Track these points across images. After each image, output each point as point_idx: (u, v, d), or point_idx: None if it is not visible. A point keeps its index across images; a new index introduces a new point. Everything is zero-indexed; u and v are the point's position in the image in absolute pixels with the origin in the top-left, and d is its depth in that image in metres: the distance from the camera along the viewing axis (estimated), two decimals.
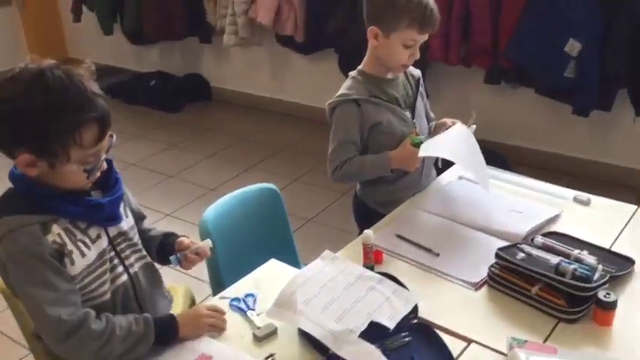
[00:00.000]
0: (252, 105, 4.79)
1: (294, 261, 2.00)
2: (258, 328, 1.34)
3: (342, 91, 1.82)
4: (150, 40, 4.89)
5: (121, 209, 1.39)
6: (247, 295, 1.45)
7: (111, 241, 1.35)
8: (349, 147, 1.80)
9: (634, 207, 1.76)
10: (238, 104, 4.87)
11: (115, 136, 1.28)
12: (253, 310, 1.41)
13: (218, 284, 1.73)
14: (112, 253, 1.35)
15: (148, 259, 1.46)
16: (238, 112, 4.81)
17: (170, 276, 1.70)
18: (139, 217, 1.51)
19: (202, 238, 1.77)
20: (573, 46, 2.96)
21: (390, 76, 1.85)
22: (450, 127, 1.85)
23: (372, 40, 1.77)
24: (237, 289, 1.50)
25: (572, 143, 3.46)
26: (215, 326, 1.35)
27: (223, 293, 1.48)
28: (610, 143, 3.35)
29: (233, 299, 1.44)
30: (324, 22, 3.78)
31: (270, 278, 1.52)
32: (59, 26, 5.73)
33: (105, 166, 1.32)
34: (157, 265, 1.51)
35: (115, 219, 1.36)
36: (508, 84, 3.43)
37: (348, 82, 1.84)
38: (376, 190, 1.91)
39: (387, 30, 1.72)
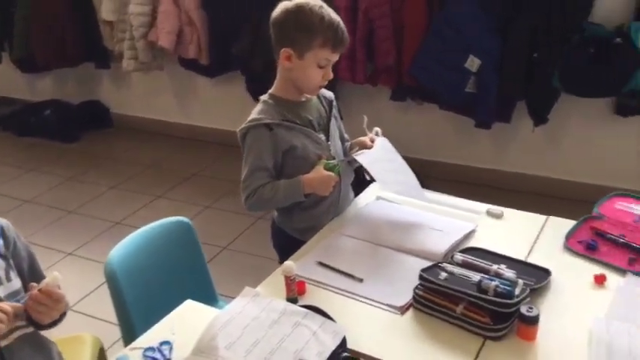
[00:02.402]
0: (156, 131, 4.61)
1: (211, 296, 1.90)
2: None
3: (253, 115, 1.76)
4: (42, 68, 4.59)
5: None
6: (162, 343, 1.33)
7: None
8: (261, 173, 1.74)
9: (544, 217, 1.82)
10: (142, 131, 4.67)
11: None
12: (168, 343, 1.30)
13: (129, 331, 1.60)
14: None
15: (30, 328, 1.29)
16: (142, 139, 4.61)
17: (80, 323, 1.55)
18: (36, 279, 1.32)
19: (109, 280, 1.64)
20: (473, 62, 3.08)
21: (303, 98, 1.81)
22: (366, 143, 1.86)
23: (284, 62, 1.72)
24: (151, 336, 1.37)
25: (477, 155, 3.59)
26: None
27: (135, 343, 1.35)
28: (511, 153, 3.50)
29: (147, 349, 1.32)
30: (228, 43, 3.71)
31: (187, 322, 1.41)
32: None
33: None
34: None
35: None
36: (414, 101, 3.52)
37: (259, 107, 1.78)
38: (294, 217, 1.85)
39: (301, 51, 1.68)
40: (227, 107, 4.24)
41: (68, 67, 4.49)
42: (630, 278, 1.51)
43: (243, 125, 1.76)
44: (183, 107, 4.51)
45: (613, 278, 1.52)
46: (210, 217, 3.39)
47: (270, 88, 1.83)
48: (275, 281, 1.54)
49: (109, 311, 1.68)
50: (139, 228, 1.77)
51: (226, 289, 1.95)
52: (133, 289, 1.65)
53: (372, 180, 2.01)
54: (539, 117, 3.20)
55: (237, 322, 1.30)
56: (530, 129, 3.26)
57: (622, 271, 1.54)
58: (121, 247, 1.69)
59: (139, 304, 1.65)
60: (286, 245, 1.83)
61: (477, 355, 1.30)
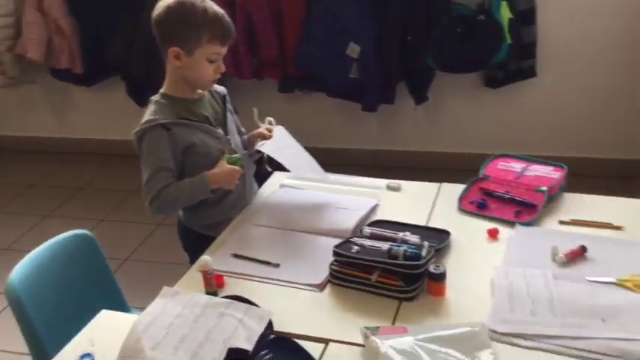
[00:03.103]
0: (34, 149, 4.33)
1: (123, 308, 1.84)
2: None
3: (147, 117, 1.72)
4: None
5: None
6: (83, 357, 1.29)
7: None
8: (164, 174, 1.71)
9: (437, 184, 1.95)
10: (18, 150, 4.36)
11: None
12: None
13: (40, 356, 1.51)
14: None
15: None
16: (19, 158, 4.31)
17: None
18: None
19: (13, 306, 1.55)
20: (353, 49, 3.19)
21: (196, 95, 1.80)
22: (264, 134, 1.88)
23: (173, 61, 1.70)
24: (70, 352, 1.32)
25: (367, 137, 3.73)
26: None
27: None
28: (399, 132, 3.68)
29: None
30: (103, 49, 3.57)
31: (105, 332, 1.37)
32: None
33: None
34: None
35: None
36: (301, 91, 3.58)
37: (152, 108, 1.75)
38: (201, 214, 1.84)
39: (189, 48, 1.67)
40: (110, 116, 4.08)
41: None
42: (519, 229, 1.67)
43: (138, 128, 1.72)
44: (62, 121, 4.27)
45: (504, 231, 1.66)
46: (106, 231, 3.26)
47: (152, 89, 1.80)
48: (192, 279, 1.54)
49: (13, 338, 1.58)
50: (31, 251, 1.66)
51: (136, 301, 1.90)
52: (41, 311, 1.57)
53: (273, 170, 2.05)
54: (420, 96, 3.40)
55: (159, 323, 1.28)
56: (413, 108, 3.45)
57: (511, 224, 1.69)
58: (20, 270, 1.59)
59: (49, 325, 1.56)
60: (197, 243, 1.81)
61: (395, 317, 1.38)
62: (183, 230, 1.92)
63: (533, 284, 1.42)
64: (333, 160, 3.55)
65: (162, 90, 1.78)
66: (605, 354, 1.22)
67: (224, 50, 1.73)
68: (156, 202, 1.70)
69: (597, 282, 1.43)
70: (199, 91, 1.82)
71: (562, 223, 1.69)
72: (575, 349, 1.24)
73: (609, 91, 3.25)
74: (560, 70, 3.27)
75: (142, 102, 3.35)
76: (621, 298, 1.37)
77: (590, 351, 1.23)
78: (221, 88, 1.93)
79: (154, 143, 1.70)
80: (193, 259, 1.69)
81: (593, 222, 1.67)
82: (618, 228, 1.64)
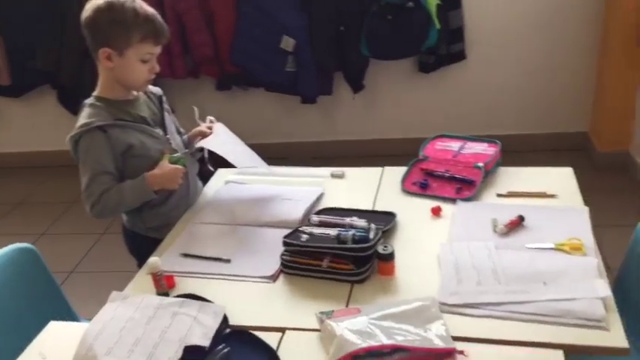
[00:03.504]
0: None
1: (72, 320, 1.79)
2: None
3: (82, 120, 1.68)
4: None
5: None
6: None
7: None
8: (104, 178, 1.67)
9: (380, 169, 1.99)
10: None
11: None
12: None
13: None
14: None
15: None
16: None
17: None
18: None
19: None
20: (288, 42, 3.20)
21: (130, 97, 1.77)
22: (205, 132, 1.87)
23: (105, 62, 1.66)
24: None
25: (308, 129, 3.75)
26: None
27: None
28: (339, 122, 3.72)
29: None
30: (30, 58, 3.44)
31: (56, 343, 1.34)
32: None
33: None
34: None
35: None
36: (239, 87, 3.57)
37: (86, 111, 1.70)
38: (145, 217, 1.81)
39: (121, 49, 1.64)
40: (42, 126, 3.93)
41: None
42: (460, 205, 1.72)
43: (73, 132, 1.68)
44: None
45: (447, 208, 1.72)
46: (47, 244, 3.15)
47: (84, 95, 1.76)
48: (141, 282, 1.52)
49: None
50: None
51: (85, 312, 1.85)
52: None
53: (216, 169, 2.04)
54: (356, 84, 3.45)
55: (111, 328, 1.26)
56: (351, 97, 3.49)
57: (452, 200, 1.75)
58: None
59: None
60: (143, 247, 1.78)
61: (348, 300, 1.41)
62: (128, 234, 1.89)
63: (477, 256, 1.48)
64: (276, 155, 3.57)
65: (95, 92, 1.74)
66: (548, 315, 1.28)
67: (157, 50, 1.71)
68: (97, 207, 1.67)
69: (536, 248, 1.50)
70: (134, 92, 1.79)
71: (500, 195, 1.76)
72: (521, 313, 1.30)
73: (534, 69, 3.39)
74: (487, 51, 3.38)
75: (75, 109, 3.24)
76: (559, 261, 1.44)
77: (534, 314, 1.29)
78: (156, 89, 1.90)
79: (91, 147, 1.66)
80: (141, 263, 1.67)
81: (528, 192, 1.74)
82: (552, 196, 1.72)
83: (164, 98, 1.90)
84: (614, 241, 1.83)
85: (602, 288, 1.32)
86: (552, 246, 1.49)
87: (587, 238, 1.51)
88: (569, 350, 1.20)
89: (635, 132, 3.15)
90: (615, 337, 1.22)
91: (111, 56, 1.66)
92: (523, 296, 1.34)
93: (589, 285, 1.34)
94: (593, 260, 1.42)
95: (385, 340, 1.20)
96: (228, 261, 1.58)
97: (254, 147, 1.99)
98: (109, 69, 1.68)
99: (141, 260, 1.73)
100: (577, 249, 1.47)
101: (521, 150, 2.93)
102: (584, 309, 1.28)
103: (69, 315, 1.81)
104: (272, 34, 3.21)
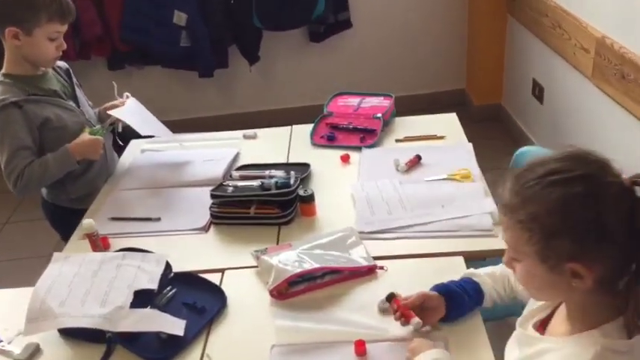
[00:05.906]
0: None
1: None
2: (18, 353, 1.23)
3: None
4: None
5: None
6: None
7: None
8: (24, 152, 1.69)
9: (289, 127, 2.15)
10: None
11: None
12: (1, 341, 1.27)
13: None
14: None
15: None
16: None
17: None
18: None
19: None
20: (180, 17, 3.23)
21: (39, 72, 1.78)
22: (117, 104, 1.91)
23: (11, 40, 1.67)
24: None
25: (208, 104, 3.81)
26: None
27: None
28: (238, 95, 3.81)
29: None
30: None
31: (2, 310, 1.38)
32: None
33: None
34: None
35: None
36: (133, 66, 3.54)
37: None
38: (67, 188, 1.84)
39: (28, 28, 1.65)
40: None
41: None
42: (365, 151, 1.92)
43: None
44: None
45: (354, 155, 1.91)
46: None
47: None
48: (76, 246, 1.58)
49: None
50: None
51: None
52: None
53: (125, 144, 2.09)
54: (252, 57, 3.55)
55: (60, 284, 1.32)
56: (248, 69, 3.60)
57: (358, 148, 1.94)
58: None
59: None
60: (65, 218, 1.83)
61: (278, 241, 1.56)
62: (49, 208, 1.91)
63: (385, 190, 1.69)
64: (177, 131, 3.60)
65: (3, 70, 1.74)
66: (448, 230, 1.52)
67: (64, 28, 1.74)
68: (21, 183, 1.68)
69: (433, 180, 1.73)
70: (42, 68, 1.80)
71: (398, 141, 1.98)
72: (426, 232, 1.53)
73: (414, 31, 3.67)
74: (371, 20, 3.61)
75: None
76: (453, 188, 1.68)
77: (436, 231, 1.53)
78: (62, 63, 1.92)
79: (7, 123, 1.66)
80: (66, 235, 1.71)
81: (421, 136, 1.98)
82: (441, 137, 1.97)
83: (72, 72, 1.92)
84: (494, 182, 2.12)
85: (489, 204, 1.58)
86: (446, 177, 1.73)
87: (474, 167, 1.77)
88: (467, 257, 1.43)
89: (504, 86, 3.55)
90: (503, 242, 1.46)
91: (18, 35, 1.66)
92: (426, 218, 1.56)
93: (478, 203, 1.59)
94: (480, 184, 1.68)
95: (316, 265, 1.37)
96: (158, 219, 1.67)
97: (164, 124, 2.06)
98: (16, 47, 1.69)
99: (65, 232, 1.77)
100: (466, 177, 1.72)
101: (409, 110, 3.20)
102: (476, 222, 1.52)
103: None
104: (163, 9, 3.21)
